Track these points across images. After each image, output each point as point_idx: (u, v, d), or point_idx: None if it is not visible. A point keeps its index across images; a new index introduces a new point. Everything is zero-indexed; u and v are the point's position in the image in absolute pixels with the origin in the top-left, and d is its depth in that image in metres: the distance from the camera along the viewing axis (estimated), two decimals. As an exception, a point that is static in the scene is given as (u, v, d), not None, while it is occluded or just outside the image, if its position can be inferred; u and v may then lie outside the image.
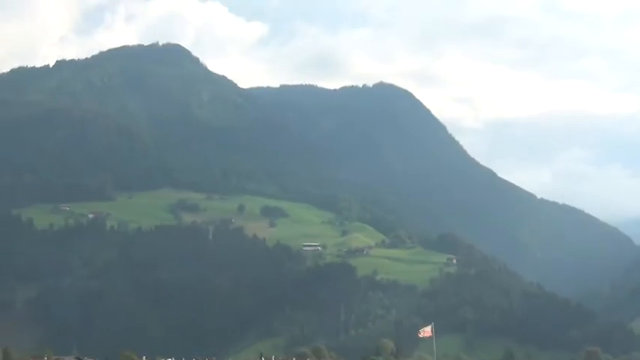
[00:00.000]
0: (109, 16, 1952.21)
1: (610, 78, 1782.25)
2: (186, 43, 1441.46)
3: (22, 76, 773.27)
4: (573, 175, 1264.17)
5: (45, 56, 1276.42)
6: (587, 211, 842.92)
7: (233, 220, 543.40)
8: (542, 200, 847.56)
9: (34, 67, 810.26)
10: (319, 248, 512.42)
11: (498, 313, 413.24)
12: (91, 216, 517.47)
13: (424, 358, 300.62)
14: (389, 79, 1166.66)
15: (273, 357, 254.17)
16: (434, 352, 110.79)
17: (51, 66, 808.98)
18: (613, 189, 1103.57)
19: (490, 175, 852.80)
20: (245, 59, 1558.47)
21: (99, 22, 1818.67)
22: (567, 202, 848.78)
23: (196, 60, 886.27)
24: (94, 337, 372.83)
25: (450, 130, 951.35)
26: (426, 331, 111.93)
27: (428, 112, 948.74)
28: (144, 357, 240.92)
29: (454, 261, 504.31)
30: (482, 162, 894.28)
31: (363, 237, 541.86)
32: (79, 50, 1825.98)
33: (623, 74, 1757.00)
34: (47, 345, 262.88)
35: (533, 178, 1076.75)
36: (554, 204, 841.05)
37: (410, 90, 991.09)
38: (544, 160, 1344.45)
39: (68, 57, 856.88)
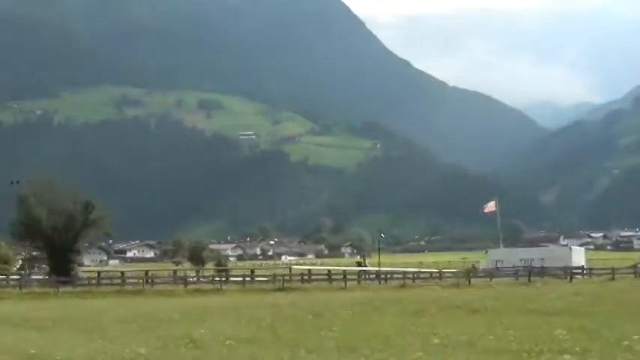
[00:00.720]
0: None
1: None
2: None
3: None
4: (482, 65, 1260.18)
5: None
6: (495, 97, 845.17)
7: (173, 114, 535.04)
8: (454, 88, 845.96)
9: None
10: (254, 137, 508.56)
11: (421, 191, 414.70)
12: (38, 112, 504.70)
13: (361, 233, 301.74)
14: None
15: (228, 237, 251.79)
16: (498, 227, 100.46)
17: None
18: (518, 76, 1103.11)
19: (406, 65, 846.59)
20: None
21: None
22: (477, 90, 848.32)
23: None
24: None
25: (368, 25, 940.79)
26: (490, 207, 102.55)
27: (347, 9, 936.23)
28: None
29: (378, 146, 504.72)
30: (399, 54, 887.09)
31: (294, 125, 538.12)
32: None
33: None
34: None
35: (446, 67, 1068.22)
36: (465, 91, 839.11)
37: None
38: (455, 51, 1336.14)
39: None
